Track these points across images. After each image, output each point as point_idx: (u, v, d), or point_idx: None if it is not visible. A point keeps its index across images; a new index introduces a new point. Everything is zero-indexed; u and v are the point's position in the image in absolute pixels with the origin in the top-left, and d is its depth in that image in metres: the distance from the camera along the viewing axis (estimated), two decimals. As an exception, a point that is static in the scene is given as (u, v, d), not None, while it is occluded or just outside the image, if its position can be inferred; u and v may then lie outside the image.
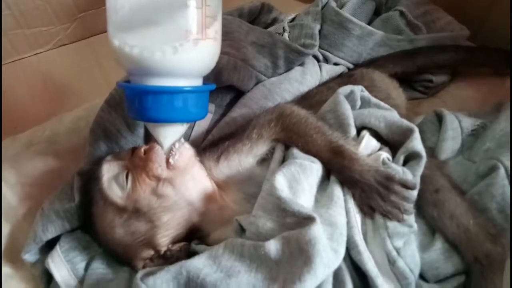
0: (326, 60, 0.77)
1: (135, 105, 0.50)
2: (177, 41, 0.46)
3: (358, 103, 0.60)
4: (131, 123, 0.63)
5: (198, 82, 0.52)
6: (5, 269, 0.59)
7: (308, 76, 0.72)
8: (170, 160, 0.52)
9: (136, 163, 0.52)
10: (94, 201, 0.53)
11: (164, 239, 0.52)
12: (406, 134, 0.54)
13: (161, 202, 0.51)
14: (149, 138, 0.65)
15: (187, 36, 0.46)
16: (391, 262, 0.47)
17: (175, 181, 0.52)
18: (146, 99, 0.48)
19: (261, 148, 0.57)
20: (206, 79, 0.55)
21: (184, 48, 0.46)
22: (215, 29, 0.50)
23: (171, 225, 0.52)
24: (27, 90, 0.93)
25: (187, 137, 0.66)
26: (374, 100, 0.60)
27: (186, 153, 0.53)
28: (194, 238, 0.54)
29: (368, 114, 0.57)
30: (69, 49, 1.02)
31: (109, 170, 0.53)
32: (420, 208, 0.52)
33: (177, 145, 0.52)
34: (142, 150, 0.53)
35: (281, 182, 0.48)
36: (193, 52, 0.47)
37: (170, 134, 0.52)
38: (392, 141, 0.56)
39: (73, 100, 0.88)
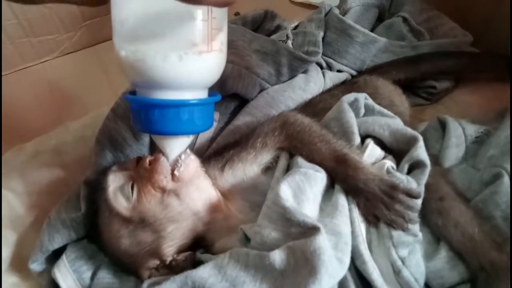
0: (330, 67, 0.78)
1: (141, 117, 0.50)
2: (182, 52, 0.46)
3: (362, 110, 0.61)
4: (136, 132, 0.64)
5: (204, 94, 0.52)
6: (12, 278, 0.59)
7: (312, 83, 0.72)
8: (176, 172, 0.51)
9: (141, 174, 0.52)
10: (100, 211, 0.53)
11: (170, 249, 0.52)
12: (411, 142, 0.54)
13: (167, 212, 0.51)
14: (154, 147, 0.65)
15: (193, 49, 0.46)
16: (396, 272, 0.47)
17: (180, 192, 0.52)
18: (152, 113, 0.48)
19: (266, 157, 0.57)
20: (210, 88, 0.55)
21: (189, 60, 0.46)
22: (221, 41, 0.49)
23: (176, 235, 0.52)
24: (33, 98, 0.93)
25: (191, 145, 0.66)
26: (378, 107, 0.61)
27: (192, 165, 0.53)
28: (199, 247, 0.55)
29: (372, 122, 0.57)
30: (75, 57, 1.02)
31: (114, 181, 0.53)
32: (425, 217, 0.52)
33: (183, 156, 0.52)
34: (147, 161, 0.53)
35: (286, 191, 0.49)
36: (198, 65, 0.47)
37: (177, 146, 0.52)
38: (396, 149, 0.56)
39: (79, 108, 0.89)
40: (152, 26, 0.46)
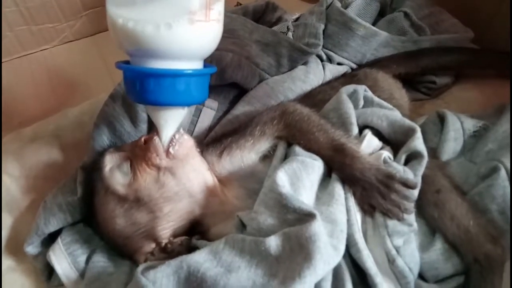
0: (330, 60, 0.77)
1: (135, 87, 0.48)
2: (178, 20, 0.45)
3: (361, 102, 0.61)
4: (134, 118, 0.64)
5: (199, 65, 0.51)
6: (8, 261, 0.60)
7: (311, 75, 0.72)
8: (170, 149, 0.52)
9: (137, 153, 0.53)
10: (96, 191, 0.53)
11: (165, 231, 0.52)
12: (408, 133, 0.54)
13: (162, 192, 0.52)
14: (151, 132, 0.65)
15: (190, 17, 0.45)
16: (391, 261, 0.47)
17: (175, 171, 0.52)
18: (148, 82, 0.47)
19: (264, 145, 0.57)
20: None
21: (186, 29, 0.45)
22: (219, 10, 0.48)
23: (172, 216, 0.52)
24: (32, 86, 0.93)
25: (189, 133, 0.66)
26: (377, 99, 0.61)
27: (186, 144, 0.53)
28: (195, 233, 0.55)
29: (370, 113, 0.57)
30: (74, 45, 1.02)
31: (111, 161, 0.53)
32: (421, 209, 0.52)
33: (177, 136, 0.52)
34: (143, 139, 0.53)
35: (283, 178, 0.49)
36: (195, 34, 0.46)
37: (171, 117, 0.51)
38: (394, 141, 0.56)
39: (78, 96, 0.89)
40: None
